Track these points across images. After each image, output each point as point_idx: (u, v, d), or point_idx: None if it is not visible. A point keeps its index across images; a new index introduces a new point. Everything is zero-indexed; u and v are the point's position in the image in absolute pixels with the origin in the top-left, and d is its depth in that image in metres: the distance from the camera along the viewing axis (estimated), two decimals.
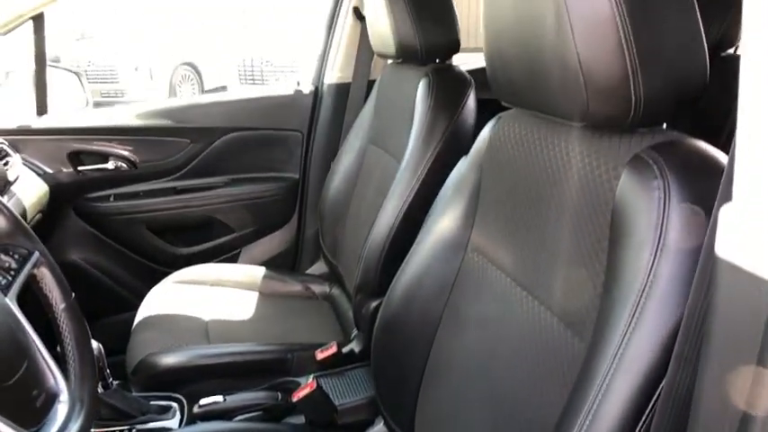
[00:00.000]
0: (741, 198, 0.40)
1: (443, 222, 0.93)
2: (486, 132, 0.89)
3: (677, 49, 0.61)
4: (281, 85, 1.81)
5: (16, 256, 0.77)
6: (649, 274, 0.54)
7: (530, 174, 0.77)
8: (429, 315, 0.93)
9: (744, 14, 0.38)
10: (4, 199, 1.39)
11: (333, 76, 1.79)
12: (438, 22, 1.28)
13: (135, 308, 1.51)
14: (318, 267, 1.86)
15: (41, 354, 0.70)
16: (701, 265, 0.46)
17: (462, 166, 0.94)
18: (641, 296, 0.54)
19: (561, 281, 0.70)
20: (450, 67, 1.32)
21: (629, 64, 0.59)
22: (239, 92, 1.86)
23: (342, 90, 1.79)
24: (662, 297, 0.53)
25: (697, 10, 0.61)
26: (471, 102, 1.25)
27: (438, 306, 0.92)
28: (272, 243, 1.92)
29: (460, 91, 1.26)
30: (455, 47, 1.31)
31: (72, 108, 1.79)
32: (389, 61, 1.52)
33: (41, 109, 1.67)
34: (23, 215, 1.43)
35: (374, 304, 1.25)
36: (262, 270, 1.67)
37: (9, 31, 1.47)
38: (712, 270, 0.42)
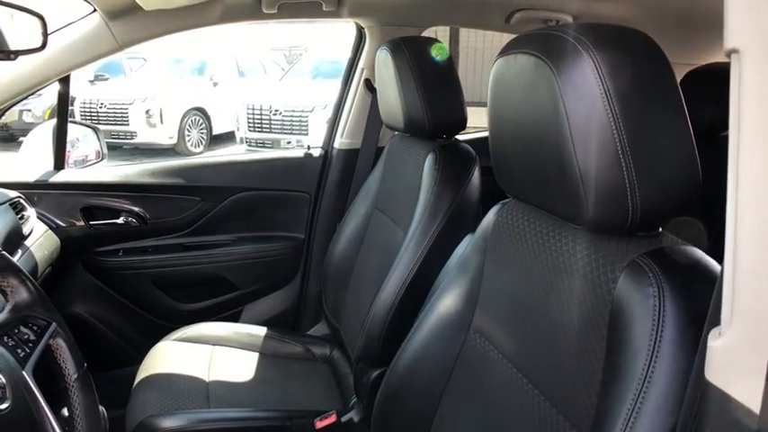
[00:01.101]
0: (728, 325, 0.43)
1: (447, 301, 0.96)
2: (490, 217, 0.93)
3: (672, 162, 0.65)
4: (291, 150, 1.86)
5: (35, 328, 0.80)
6: (644, 381, 0.57)
7: (533, 263, 0.80)
8: (431, 392, 0.95)
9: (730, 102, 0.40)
10: (18, 254, 1.42)
11: (342, 141, 1.86)
12: (446, 101, 1.34)
13: (137, 362, 1.52)
14: (320, 328, 1.88)
15: (52, 427, 0.71)
16: (693, 382, 0.49)
17: (467, 248, 0.97)
18: (636, 402, 0.57)
19: (560, 373, 0.72)
20: (457, 143, 1.38)
21: (626, 175, 0.63)
22: (251, 154, 1.92)
23: (350, 155, 1.85)
24: (656, 405, 0.56)
25: (689, 124, 0.66)
26: (476, 178, 1.31)
27: (440, 384, 0.94)
28: (275, 301, 1.94)
29: (466, 167, 1.31)
30: (462, 124, 1.37)
31: (88, 161, 1.84)
32: (397, 132, 1.58)
33: (59, 163, 1.73)
34: (35, 269, 1.46)
35: (375, 374, 1.26)
36: (263, 330, 1.68)
37: (37, 90, 1.54)
38: (703, 392, 0.45)
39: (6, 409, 0.67)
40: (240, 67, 9.67)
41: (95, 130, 1.97)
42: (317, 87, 7.38)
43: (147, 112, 7.89)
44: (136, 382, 1.43)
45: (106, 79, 9.30)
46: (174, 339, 1.59)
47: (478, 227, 0.96)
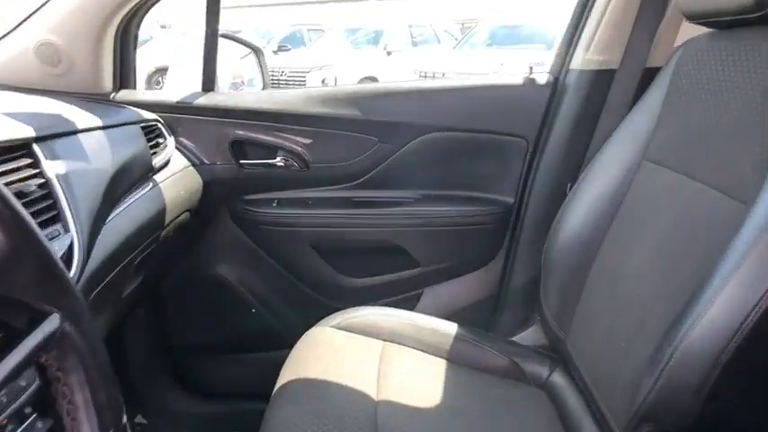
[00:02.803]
0: None
1: None
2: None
3: None
4: (502, 76, 1.26)
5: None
6: None
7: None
8: None
9: None
10: (142, 191, 1.05)
11: (588, 58, 1.24)
12: None
13: (284, 347, 1.11)
14: (530, 335, 1.31)
15: None
16: None
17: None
18: None
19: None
20: None
21: None
22: (447, 80, 1.37)
23: (598, 81, 1.22)
24: None
25: None
26: None
27: None
28: (467, 288, 1.41)
29: None
30: None
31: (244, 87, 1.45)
32: (711, 29, 0.93)
33: (208, 84, 1.36)
34: (161, 214, 1.09)
35: None
36: (452, 327, 1.16)
37: None
38: None
39: None
40: (414, 37, 9.56)
41: (257, 51, 1.59)
42: (491, 54, 6.99)
43: (323, 80, 7.93)
44: (280, 382, 0.99)
45: (288, 50, 9.66)
46: (334, 326, 1.13)
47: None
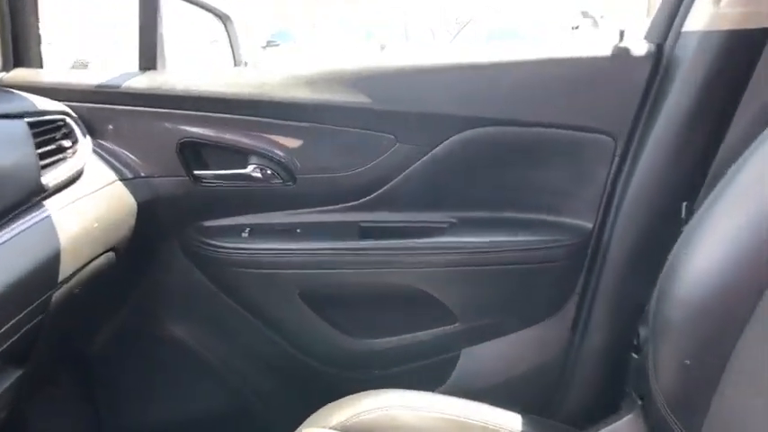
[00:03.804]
0: None
1: None
2: None
3: None
4: (580, 46, 0.81)
5: None
6: None
7: None
8: None
9: None
10: (16, 225, 0.63)
11: (715, 15, 0.82)
12: None
13: None
14: (625, 428, 0.89)
15: None
16: None
17: None
18: None
19: None
20: None
21: None
22: (490, 52, 0.94)
23: (738, 47, 0.80)
24: None
25: None
26: None
27: None
28: (522, 351, 0.99)
29: None
30: None
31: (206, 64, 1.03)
32: None
33: (147, 60, 0.93)
34: (51, 262, 0.67)
35: None
36: (508, 420, 0.75)
37: None
38: None
39: None
40: (409, 32, 9.37)
41: (224, 19, 1.16)
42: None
43: None
44: None
45: (277, 45, 9.36)
46: (333, 428, 0.71)
47: None
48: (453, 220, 0.96)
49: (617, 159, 0.91)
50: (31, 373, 0.71)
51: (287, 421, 0.74)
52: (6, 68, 0.88)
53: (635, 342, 0.93)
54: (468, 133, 0.91)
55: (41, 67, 0.92)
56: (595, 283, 0.95)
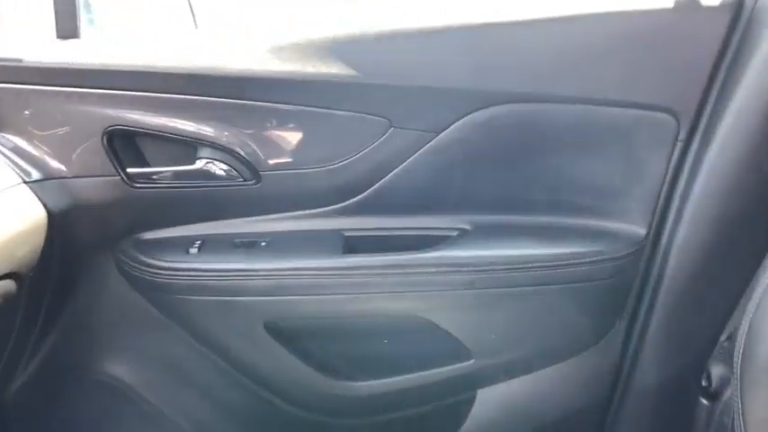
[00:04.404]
0: None
1: None
2: None
3: None
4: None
5: None
6: None
7: None
8: None
9: None
10: None
11: None
12: None
13: None
14: None
15: None
16: None
17: None
18: None
19: None
20: None
21: None
22: (518, 5, 0.71)
23: None
24: None
25: None
26: None
27: None
28: (554, 389, 0.78)
29: None
30: None
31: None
32: None
33: (67, 28, 0.72)
34: None
35: None
36: None
37: None
38: None
39: None
40: None
41: None
42: None
43: None
44: None
45: None
46: None
47: None
48: (465, 227, 0.74)
49: (680, 145, 0.70)
50: None
51: None
52: None
53: (704, 383, 0.71)
54: (484, 113, 0.69)
55: None
56: (649, 307, 0.74)
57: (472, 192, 0.74)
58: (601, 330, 0.77)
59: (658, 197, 0.71)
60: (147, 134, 0.69)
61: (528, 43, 0.68)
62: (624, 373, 0.78)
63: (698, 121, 0.68)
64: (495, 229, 0.74)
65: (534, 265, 0.71)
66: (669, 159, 0.70)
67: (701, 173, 0.68)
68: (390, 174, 0.71)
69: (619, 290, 0.75)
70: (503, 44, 0.69)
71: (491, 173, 0.73)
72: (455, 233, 0.74)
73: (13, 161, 0.66)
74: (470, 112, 0.69)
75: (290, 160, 0.71)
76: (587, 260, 0.72)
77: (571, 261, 0.71)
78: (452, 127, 0.70)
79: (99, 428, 0.79)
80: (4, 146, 0.67)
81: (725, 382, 0.68)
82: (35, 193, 0.66)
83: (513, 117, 0.69)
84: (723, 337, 0.70)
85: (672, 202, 0.71)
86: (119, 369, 0.77)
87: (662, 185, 0.71)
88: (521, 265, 0.71)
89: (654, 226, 0.72)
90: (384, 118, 0.69)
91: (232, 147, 0.69)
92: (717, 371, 0.70)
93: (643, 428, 0.78)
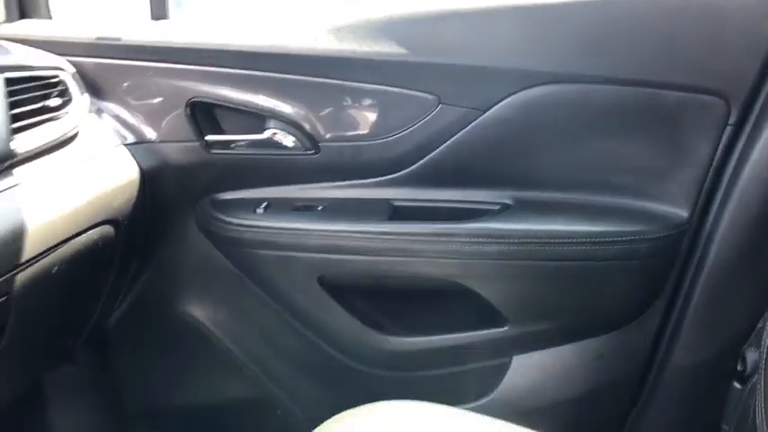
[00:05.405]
0: None
1: None
2: None
3: None
4: None
5: None
6: None
7: None
8: None
9: None
10: None
11: None
12: None
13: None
14: None
15: None
16: None
17: None
18: None
19: None
20: None
21: None
22: None
23: None
24: None
25: None
26: None
27: None
28: (587, 363, 0.81)
29: None
30: None
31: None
32: None
33: (159, 9, 0.82)
34: (16, 235, 0.58)
35: None
36: None
37: None
38: None
39: None
40: None
41: None
42: None
43: None
44: None
45: None
46: None
47: None
48: (508, 202, 0.78)
49: (730, 130, 0.69)
50: (7, 355, 0.64)
51: (307, 415, 0.63)
52: (10, 19, 0.80)
53: (738, 368, 0.72)
54: (530, 92, 0.72)
55: (49, 17, 0.84)
56: (688, 290, 0.75)
57: (516, 168, 0.77)
58: (638, 309, 0.78)
59: (704, 181, 0.71)
60: (223, 106, 0.79)
61: (575, 22, 0.70)
62: (659, 353, 0.79)
63: (751, 105, 0.67)
64: (537, 205, 0.77)
65: (574, 240, 0.74)
66: (717, 143, 0.70)
67: (751, 159, 0.68)
68: (438, 148, 0.76)
69: (658, 270, 0.76)
70: (551, 24, 0.71)
71: (535, 151, 0.76)
72: (497, 207, 0.78)
73: (113, 126, 0.78)
74: (517, 91, 0.72)
75: (346, 133, 0.78)
76: (627, 239, 0.74)
77: (611, 239, 0.74)
78: (499, 105, 0.73)
79: (179, 360, 0.92)
80: (107, 113, 0.79)
81: (758, 366, 0.68)
82: (131, 153, 0.77)
83: (559, 96, 0.72)
84: (761, 324, 0.70)
85: (718, 187, 0.71)
86: (196, 311, 0.89)
87: (708, 169, 0.71)
88: (560, 240, 0.74)
89: (698, 209, 0.73)
90: (434, 95, 0.74)
91: (295, 120, 0.77)
92: (752, 356, 0.70)
93: (675, 408, 0.79)
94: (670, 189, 0.73)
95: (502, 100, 0.73)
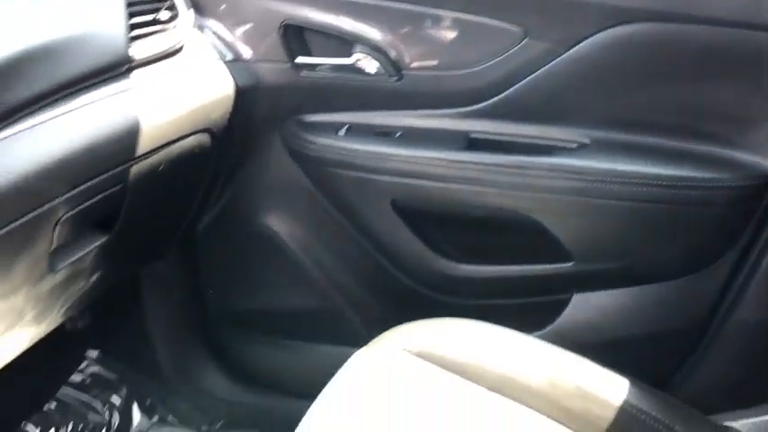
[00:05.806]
0: None
1: None
2: None
3: None
4: None
5: None
6: None
7: None
8: None
9: None
10: (96, 93, 0.61)
11: None
12: None
13: (357, 340, 0.70)
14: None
15: None
16: None
17: None
18: None
19: None
20: None
21: None
22: None
23: None
24: None
25: None
26: None
27: None
28: (651, 306, 0.82)
29: None
30: None
31: None
32: None
33: None
34: (132, 131, 0.65)
35: None
36: (617, 386, 0.62)
37: None
38: None
39: None
40: None
41: None
42: None
43: None
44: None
45: None
46: (408, 350, 0.65)
47: None
48: (585, 141, 0.78)
49: None
50: (116, 242, 0.72)
51: (373, 330, 0.69)
52: None
53: None
54: (621, 29, 0.71)
55: None
56: (764, 245, 0.73)
57: (598, 108, 0.77)
58: (707, 259, 0.78)
59: None
60: (313, 30, 0.82)
61: None
62: (724, 306, 0.79)
63: None
64: (616, 145, 0.77)
65: (650, 182, 0.74)
66: None
67: None
68: (520, 83, 0.77)
69: (734, 221, 0.75)
70: None
71: (620, 91, 0.76)
72: (574, 145, 0.79)
73: (214, 43, 0.84)
74: (605, 29, 0.71)
75: (429, 62, 0.80)
76: (706, 185, 0.73)
77: (688, 184, 0.73)
78: (586, 42, 0.73)
79: (256, 268, 1.00)
80: (210, 30, 0.84)
81: None
82: (229, 69, 0.83)
83: (649, 36, 0.71)
84: None
85: None
86: (275, 224, 0.96)
87: None
88: (636, 180, 0.74)
89: None
90: (520, 27, 0.74)
91: (381, 46, 0.80)
92: None
93: (732, 362, 0.79)
94: (756, 138, 0.71)
95: (589, 36, 0.72)
